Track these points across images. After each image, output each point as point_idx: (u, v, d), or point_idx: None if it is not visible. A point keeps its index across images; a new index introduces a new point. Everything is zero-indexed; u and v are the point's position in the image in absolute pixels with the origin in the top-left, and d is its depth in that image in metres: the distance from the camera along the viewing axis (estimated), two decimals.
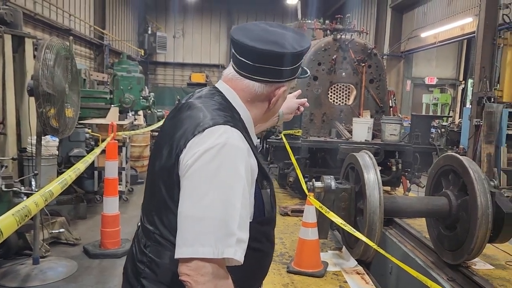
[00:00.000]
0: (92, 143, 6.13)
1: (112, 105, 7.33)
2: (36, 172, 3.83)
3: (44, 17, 11.07)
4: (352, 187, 3.79)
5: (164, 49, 21.97)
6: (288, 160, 5.21)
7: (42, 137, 4.02)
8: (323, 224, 3.69)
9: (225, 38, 22.95)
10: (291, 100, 1.86)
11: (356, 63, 6.23)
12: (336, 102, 6.37)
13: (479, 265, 3.67)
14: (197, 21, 23.28)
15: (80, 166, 3.45)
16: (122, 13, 18.93)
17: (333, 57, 6.15)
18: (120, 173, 5.94)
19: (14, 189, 3.67)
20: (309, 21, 8.36)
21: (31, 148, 4.56)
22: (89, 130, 6.28)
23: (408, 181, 5.95)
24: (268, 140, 5.97)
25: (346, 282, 3.36)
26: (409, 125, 6.34)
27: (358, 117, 6.18)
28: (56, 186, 2.67)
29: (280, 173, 6.26)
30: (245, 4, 21.91)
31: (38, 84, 3.52)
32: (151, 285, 1.23)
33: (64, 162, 5.57)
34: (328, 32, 6.82)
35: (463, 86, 17.65)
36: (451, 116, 15.39)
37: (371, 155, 3.79)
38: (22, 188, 3.79)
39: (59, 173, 4.97)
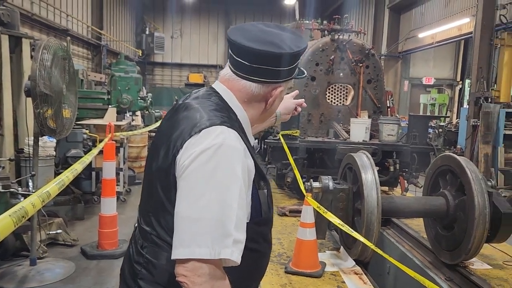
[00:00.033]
0: (90, 143, 6.12)
1: (110, 106, 7.32)
2: (33, 173, 3.82)
3: (41, 17, 11.05)
4: (350, 187, 3.79)
5: (162, 50, 21.96)
6: (286, 161, 5.21)
7: (39, 138, 4.01)
8: (321, 225, 3.69)
9: (223, 38, 22.94)
10: (288, 101, 1.86)
11: (354, 63, 6.24)
12: (334, 103, 6.37)
13: (477, 265, 3.68)
14: (195, 21, 23.28)
15: (77, 167, 3.45)
16: (119, 13, 18.91)
17: (331, 58, 6.15)
18: (117, 174, 5.94)
19: (11, 190, 3.66)
20: (307, 22, 8.37)
21: (28, 148, 4.55)
22: (87, 131, 6.27)
23: (405, 181, 5.95)
24: (266, 140, 5.96)
25: (344, 282, 3.36)
26: (407, 125, 6.34)
27: (356, 117, 6.18)
28: (53, 187, 2.66)
29: (278, 174, 6.26)
30: (243, 4, 21.92)
31: (35, 85, 3.51)
32: (148, 286, 1.23)
33: (62, 163, 5.56)
34: (326, 32, 6.82)
35: (460, 86, 17.69)
36: (448, 116, 15.43)
37: (369, 156, 3.80)
38: (19, 189, 3.78)
39: (57, 174, 4.96)
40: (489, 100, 8.76)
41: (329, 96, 6.35)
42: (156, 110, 10.59)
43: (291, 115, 1.92)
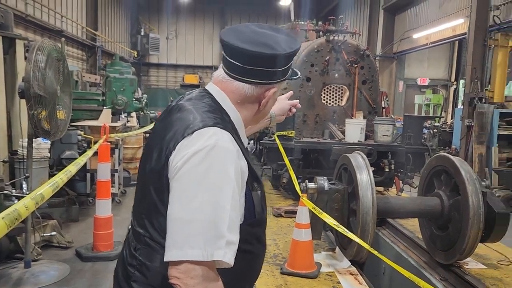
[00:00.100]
0: (85, 145, 6.10)
1: (105, 107, 7.29)
2: (27, 174, 3.80)
3: (35, 18, 10.99)
4: (345, 188, 3.80)
5: (157, 51, 21.92)
6: (281, 161, 5.21)
7: (34, 140, 3.99)
8: (316, 225, 3.69)
9: (218, 39, 22.69)
10: (283, 102, 1.87)
11: (349, 64, 6.26)
12: (329, 103, 6.38)
13: (471, 264, 3.70)
14: (190, 22, 23.25)
15: (71, 169, 3.43)
16: (114, 14, 18.85)
17: (326, 59, 6.17)
18: (112, 175, 5.91)
19: (5, 192, 3.64)
20: (302, 23, 8.38)
21: (22, 150, 4.53)
22: (82, 132, 6.24)
23: (400, 181, 5.97)
24: (261, 141, 5.97)
25: (339, 283, 3.36)
26: (402, 125, 6.37)
27: (351, 118, 6.20)
28: (47, 189, 2.65)
29: (274, 174, 6.26)
30: (238, 5, 21.93)
31: (29, 86, 3.50)
32: None
33: (56, 165, 5.53)
34: (321, 33, 6.84)
35: (455, 86, 17.78)
36: (443, 117, 15.51)
37: (364, 156, 3.80)
38: (13, 191, 3.76)
39: (51, 175, 4.93)
40: (483, 101, 8.81)
41: (324, 97, 6.36)
42: (152, 111, 10.55)
43: (285, 116, 1.92)
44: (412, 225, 4.57)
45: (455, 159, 3.50)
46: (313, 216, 3.52)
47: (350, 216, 3.78)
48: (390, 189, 6.36)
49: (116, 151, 6.49)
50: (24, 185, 3.82)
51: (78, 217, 5.58)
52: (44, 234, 4.48)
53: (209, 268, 1.07)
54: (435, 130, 11.90)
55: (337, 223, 3.18)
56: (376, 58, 15.16)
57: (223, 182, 1.10)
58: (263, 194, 1.31)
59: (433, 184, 3.79)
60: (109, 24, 17.99)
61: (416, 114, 15.45)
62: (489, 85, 9.04)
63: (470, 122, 8.94)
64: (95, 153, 4.81)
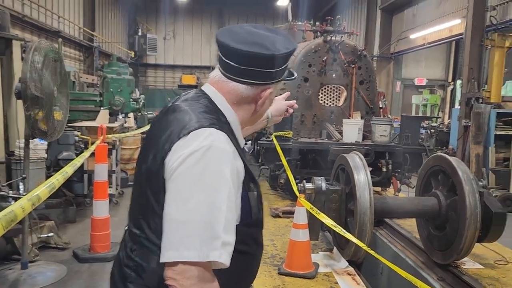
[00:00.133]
0: (82, 146, 6.07)
1: (102, 108, 7.28)
2: (24, 175, 3.79)
3: (32, 19, 10.96)
4: (343, 188, 3.80)
5: (154, 51, 21.90)
6: (279, 162, 5.21)
7: (31, 140, 3.98)
8: (314, 226, 3.69)
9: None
10: (280, 102, 1.86)
11: (346, 64, 6.27)
12: (327, 104, 6.39)
13: (468, 264, 3.71)
14: (188, 22, 23.24)
15: (68, 170, 3.42)
16: (111, 14, 18.82)
17: (324, 59, 6.17)
18: (110, 176, 5.90)
19: (2, 193, 3.63)
20: (300, 23, 8.40)
21: (19, 151, 4.51)
22: (79, 133, 6.23)
23: (398, 181, 5.98)
24: (259, 141, 5.97)
25: (337, 283, 3.37)
26: (399, 126, 6.38)
27: (349, 118, 6.21)
28: (43, 190, 2.64)
29: (271, 175, 6.27)
30: (236, 5, 21.92)
31: (26, 87, 3.49)
32: None
33: (53, 166, 5.51)
34: (319, 33, 6.85)
35: (452, 87, 17.83)
36: (440, 117, 15.55)
37: (361, 156, 3.81)
38: (10, 192, 3.74)
39: (48, 176, 4.92)
40: (480, 101, 8.83)
41: (321, 97, 6.37)
42: (149, 112, 10.54)
43: (282, 117, 1.92)
44: (409, 225, 4.58)
45: (452, 159, 3.51)
46: (311, 217, 3.52)
47: (347, 217, 3.78)
48: (387, 189, 6.37)
49: (114, 151, 6.47)
50: (21, 186, 3.81)
51: (75, 218, 5.56)
52: (41, 235, 4.46)
53: (205, 269, 1.07)
54: (432, 130, 11.93)
55: (334, 224, 3.18)
56: (374, 59, 15.19)
57: (219, 182, 1.10)
58: (260, 194, 1.31)
59: (431, 184, 3.80)
60: (106, 25, 17.96)
61: (413, 114, 15.49)
62: (486, 85, 9.06)
63: (467, 122, 8.96)
64: (93, 154, 4.80)
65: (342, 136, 5.87)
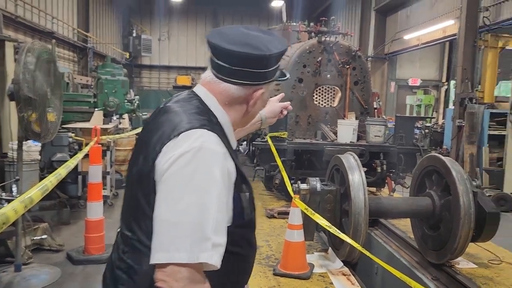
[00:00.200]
0: (76, 147, 6.04)
1: (96, 109, 7.25)
2: (17, 177, 3.76)
3: (26, 20, 10.90)
4: (337, 188, 3.81)
5: (149, 52, 21.84)
6: (274, 162, 5.21)
7: (24, 142, 3.95)
8: (309, 226, 3.69)
9: None
10: (274, 104, 1.86)
11: (341, 65, 6.28)
12: (321, 104, 6.40)
13: (463, 264, 3.72)
14: (183, 23, 23.20)
15: (61, 171, 3.40)
16: (106, 15, 18.75)
17: (318, 59, 6.18)
18: (104, 178, 5.87)
19: None
20: (294, 24, 8.41)
21: (13, 153, 4.48)
22: (73, 134, 6.20)
23: (393, 182, 6.00)
24: (254, 142, 5.97)
25: (332, 283, 3.37)
26: (394, 126, 6.40)
27: (343, 119, 6.22)
28: (36, 192, 2.62)
29: (266, 175, 6.26)
30: (231, 6, 21.92)
31: (19, 88, 3.46)
32: None
33: (47, 167, 5.48)
34: (313, 34, 6.86)
35: (446, 87, 17.94)
36: (434, 117, 15.62)
37: (356, 157, 3.82)
38: (3, 194, 3.72)
39: (42, 178, 4.89)
40: (474, 101, 8.89)
41: (316, 97, 6.38)
42: (144, 113, 10.51)
43: (277, 119, 1.92)
44: (404, 225, 4.59)
45: (446, 159, 3.53)
46: (306, 217, 3.52)
47: (342, 217, 3.79)
48: (382, 189, 6.39)
49: (108, 153, 6.44)
50: (14, 188, 3.78)
51: (70, 220, 5.53)
52: (35, 238, 4.43)
53: (195, 270, 1.06)
54: (426, 131, 11.99)
55: (329, 224, 3.18)
56: (368, 59, 15.23)
57: (209, 184, 1.10)
58: (252, 195, 1.31)
59: (425, 184, 3.82)
60: (101, 26, 17.90)
61: (407, 114, 15.55)
62: (479, 86, 9.13)
63: (461, 122, 9.01)
64: (87, 155, 4.77)
65: (336, 136, 5.88)
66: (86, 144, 5.41)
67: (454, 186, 3.30)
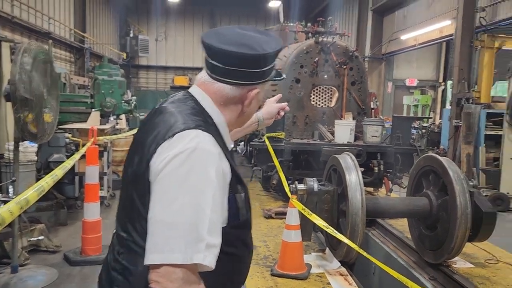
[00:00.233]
0: (73, 148, 6.02)
1: (93, 109, 7.22)
2: (14, 178, 3.74)
3: (22, 20, 10.86)
4: (335, 189, 3.81)
5: (146, 52, 21.81)
6: (271, 163, 5.22)
7: (20, 143, 3.93)
8: (306, 226, 3.70)
9: None
10: (271, 105, 1.87)
11: (338, 65, 6.29)
12: (319, 105, 6.41)
13: (459, 264, 3.74)
14: (180, 24, 23.18)
15: (58, 172, 3.39)
16: (103, 16, 18.71)
17: (315, 60, 6.19)
18: (101, 178, 5.85)
19: None
20: (291, 24, 8.41)
21: (9, 154, 4.46)
22: (70, 135, 6.17)
23: (390, 182, 6.02)
24: (251, 143, 5.97)
25: (329, 283, 3.37)
26: (391, 126, 6.42)
27: (340, 119, 6.23)
28: (32, 193, 2.61)
29: (264, 176, 6.27)
30: (228, 7, 21.92)
31: (15, 89, 3.45)
32: None
33: (44, 168, 5.46)
34: (310, 35, 6.87)
35: (443, 87, 17.98)
36: (431, 117, 15.66)
37: (353, 157, 3.83)
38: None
39: (38, 179, 4.87)
40: (470, 101, 8.91)
41: (313, 98, 6.39)
42: (141, 114, 10.48)
43: (274, 119, 1.92)
44: (401, 225, 4.60)
45: (443, 159, 3.54)
46: (303, 218, 3.52)
47: (339, 217, 3.79)
48: (379, 189, 6.40)
49: (105, 153, 6.43)
50: (11, 189, 3.76)
51: (67, 221, 5.51)
52: (32, 239, 4.42)
53: (189, 271, 1.06)
54: (423, 131, 12.00)
55: (326, 224, 3.19)
56: (365, 59, 15.26)
57: (204, 184, 1.09)
58: (247, 196, 1.31)
59: (422, 184, 3.83)
60: (98, 26, 17.86)
61: (404, 114, 15.57)
62: (476, 86, 9.15)
63: (458, 122, 9.03)
64: (84, 156, 4.76)
65: (334, 137, 5.89)
66: (83, 145, 5.39)
67: (451, 186, 3.31)
